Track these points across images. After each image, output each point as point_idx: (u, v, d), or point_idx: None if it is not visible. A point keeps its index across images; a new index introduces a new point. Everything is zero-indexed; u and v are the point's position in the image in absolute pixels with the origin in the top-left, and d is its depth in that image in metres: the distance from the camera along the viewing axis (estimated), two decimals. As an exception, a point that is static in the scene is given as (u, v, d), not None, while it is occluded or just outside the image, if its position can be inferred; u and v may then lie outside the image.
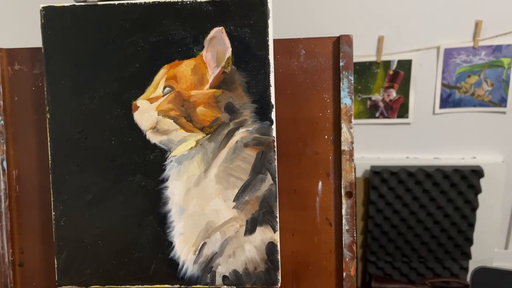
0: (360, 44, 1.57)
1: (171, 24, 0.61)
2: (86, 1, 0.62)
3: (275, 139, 0.62)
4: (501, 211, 1.62)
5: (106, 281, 0.65)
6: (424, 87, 1.60)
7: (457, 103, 1.59)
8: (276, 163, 0.62)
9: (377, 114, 1.65)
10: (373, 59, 1.59)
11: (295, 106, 0.66)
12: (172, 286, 0.64)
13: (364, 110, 1.65)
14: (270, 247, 0.63)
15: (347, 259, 0.66)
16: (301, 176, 0.66)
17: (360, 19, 1.57)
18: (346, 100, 0.64)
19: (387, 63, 1.59)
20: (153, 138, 0.63)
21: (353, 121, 0.64)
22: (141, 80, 0.62)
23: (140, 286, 0.65)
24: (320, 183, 0.66)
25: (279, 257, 0.63)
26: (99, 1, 0.62)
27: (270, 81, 0.61)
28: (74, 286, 0.65)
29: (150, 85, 0.62)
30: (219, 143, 0.63)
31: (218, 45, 0.61)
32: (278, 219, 0.63)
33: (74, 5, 0.62)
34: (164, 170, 0.63)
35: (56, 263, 0.65)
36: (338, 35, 0.64)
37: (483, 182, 1.54)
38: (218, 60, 0.62)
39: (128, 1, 0.62)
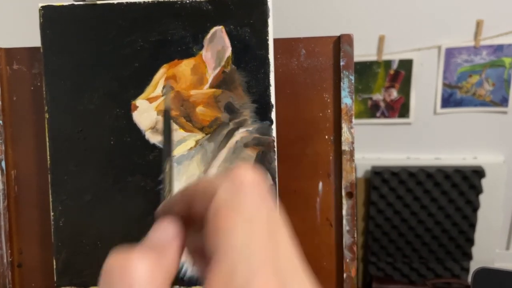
0: (361, 44, 1.56)
1: (171, 24, 0.61)
2: (85, 1, 0.62)
3: (275, 139, 0.62)
4: (503, 212, 1.62)
5: (105, 282, 0.65)
6: (425, 87, 1.59)
7: (458, 103, 1.59)
8: (276, 163, 0.62)
9: (378, 114, 1.64)
10: (374, 58, 1.59)
11: (295, 106, 0.65)
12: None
13: (365, 110, 1.65)
14: (270, 248, 0.62)
15: (347, 260, 0.65)
16: (301, 176, 0.66)
17: (360, 18, 1.57)
18: (347, 100, 0.64)
19: (388, 63, 1.59)
20: (153, 138, 0.63)
21: (354, 121, 0.64)
22: (140, 80, 0.62)
23: (139, 287, 0.64)
24: (320, 184, 0.66)
25: (279, 258, 0.63)
26: (98, 0, 0.62)
27: (270, 81, 0.61)
28: (73, 287, 0.65)
29: (149, 85, 0.62)
30: (219, 143, 0.62)
31: (217, 44, 0.61)
32: (278, 220, 0.63)
33: (73, 4, 0.62)
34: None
35: (55, 263, 0.65)
36: (338, 35, 0.64)
37: (484, 182, 1.53)
38: (217, 59, 0.61)
39: (127, 0, 0.61)
